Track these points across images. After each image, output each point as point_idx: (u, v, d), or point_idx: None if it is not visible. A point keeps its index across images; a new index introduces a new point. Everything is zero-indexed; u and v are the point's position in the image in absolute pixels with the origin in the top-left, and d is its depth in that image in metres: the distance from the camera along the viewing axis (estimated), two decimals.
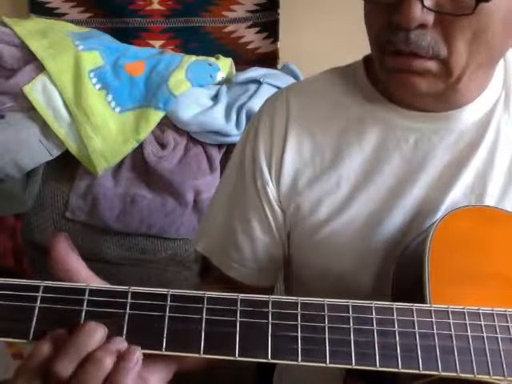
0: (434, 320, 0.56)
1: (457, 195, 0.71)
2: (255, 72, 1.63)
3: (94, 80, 1.52)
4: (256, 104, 1.49)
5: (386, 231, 0.72)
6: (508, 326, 0.58)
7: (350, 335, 0.54)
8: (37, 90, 1.49)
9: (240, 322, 0.53)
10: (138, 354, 0.50)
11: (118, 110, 1.53)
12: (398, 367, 0.54)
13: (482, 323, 0.57)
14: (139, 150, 1.54)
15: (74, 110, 1.49)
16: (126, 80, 1.54)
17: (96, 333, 0.50)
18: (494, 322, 0.58)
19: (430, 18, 0.59)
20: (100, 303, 0.52)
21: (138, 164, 1.55)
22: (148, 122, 1.52)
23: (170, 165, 1.52)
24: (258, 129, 0.79)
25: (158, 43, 1.78)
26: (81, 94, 1.49)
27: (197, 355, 0.51)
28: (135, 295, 0.53)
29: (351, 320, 0.55)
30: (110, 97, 1.53)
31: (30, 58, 1.51)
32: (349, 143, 0.75)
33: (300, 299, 0.55)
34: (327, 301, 0.55)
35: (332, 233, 0.74)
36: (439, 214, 0.70)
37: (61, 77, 1.49)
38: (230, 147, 1.56)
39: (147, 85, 1.55)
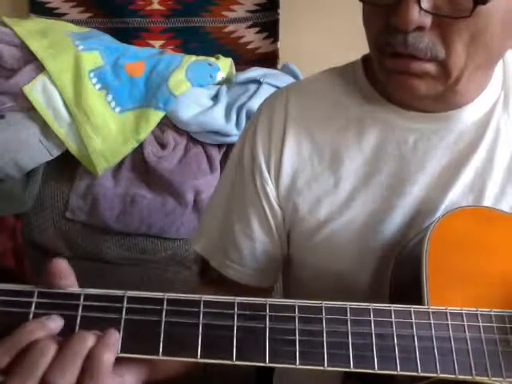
0: (432, 322, 0.56)
1: (456, 195, 0.71)
2: (255, 72, 1.62)
3: (94, 80, 1.52)
4: (256, 104, 1.48)
5: (386, 231, 0.72)
6: (506, 328, 0.58)
7: (348, 338, 0.54)
8: (37, 89, 1.49)
9: (237, 325, 0.53)
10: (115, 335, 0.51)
11: (118, 109, 1.53)
12: (396, 369, 0.54)
13: (480, 324, 0.57)
14: (139, 150, 1.54)
15: (74, 109, 1.49)
16: (126, 80, 1.54)
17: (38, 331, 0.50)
18: (492, 323, 0.58)
19: (427, 20, 0.59)
20: (95, 308, 0.52)
21: (138, 164, 1.55)
22: (148, 122, 1.52)
23: (170, 165, 1.52)
24: (256, 128, 0.78)
25: (158, 43, 1.78)
26: (81, 93, 1.49)
27: (194, 360, 0.51)
28: (131, 300, 0.52)
29: (349, 322, 0.54)
30: (109, 97, 1.53)
31: (30, 58, 1.51)
32: (348, 143, 0.74)
33: (297, 302, 0.55)
34: (325, 303, 0.55)
35: (331, 234, 0.74)
36: (439, 214, 0.70)
37: (61, 77, 1.49)
38: (229, 147, 1.55)
39: (147, 85, 1.54)
